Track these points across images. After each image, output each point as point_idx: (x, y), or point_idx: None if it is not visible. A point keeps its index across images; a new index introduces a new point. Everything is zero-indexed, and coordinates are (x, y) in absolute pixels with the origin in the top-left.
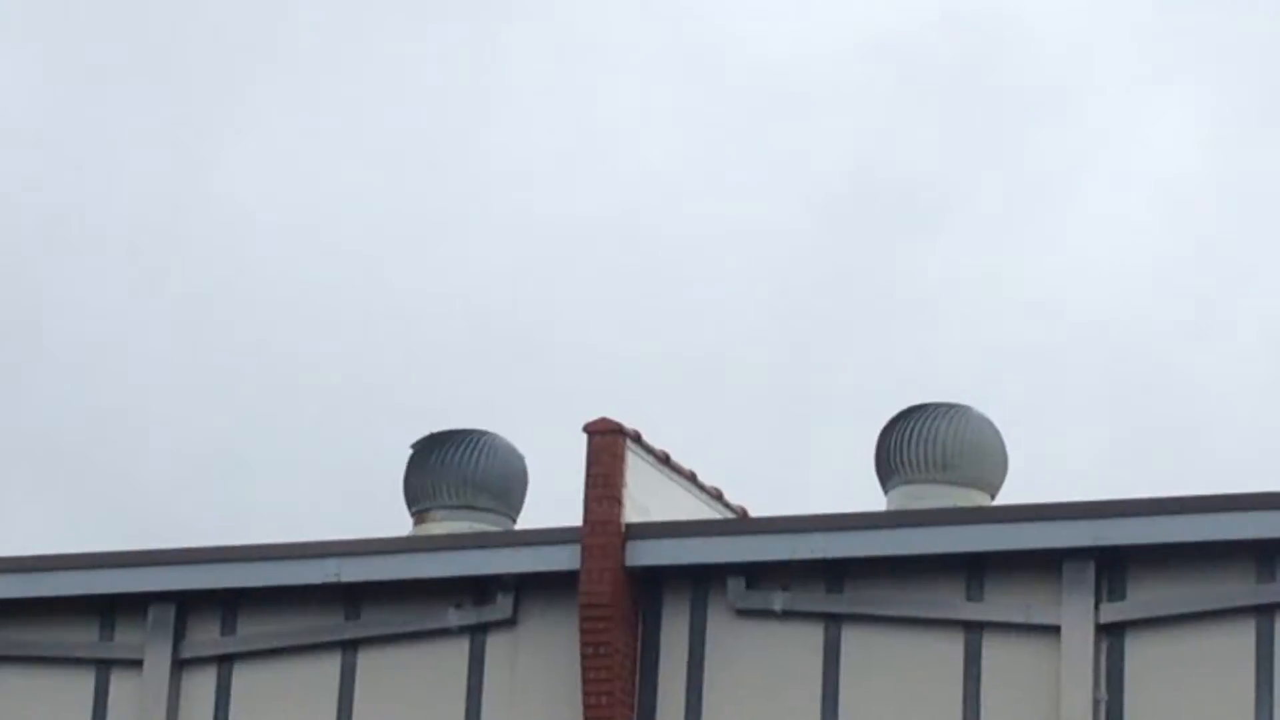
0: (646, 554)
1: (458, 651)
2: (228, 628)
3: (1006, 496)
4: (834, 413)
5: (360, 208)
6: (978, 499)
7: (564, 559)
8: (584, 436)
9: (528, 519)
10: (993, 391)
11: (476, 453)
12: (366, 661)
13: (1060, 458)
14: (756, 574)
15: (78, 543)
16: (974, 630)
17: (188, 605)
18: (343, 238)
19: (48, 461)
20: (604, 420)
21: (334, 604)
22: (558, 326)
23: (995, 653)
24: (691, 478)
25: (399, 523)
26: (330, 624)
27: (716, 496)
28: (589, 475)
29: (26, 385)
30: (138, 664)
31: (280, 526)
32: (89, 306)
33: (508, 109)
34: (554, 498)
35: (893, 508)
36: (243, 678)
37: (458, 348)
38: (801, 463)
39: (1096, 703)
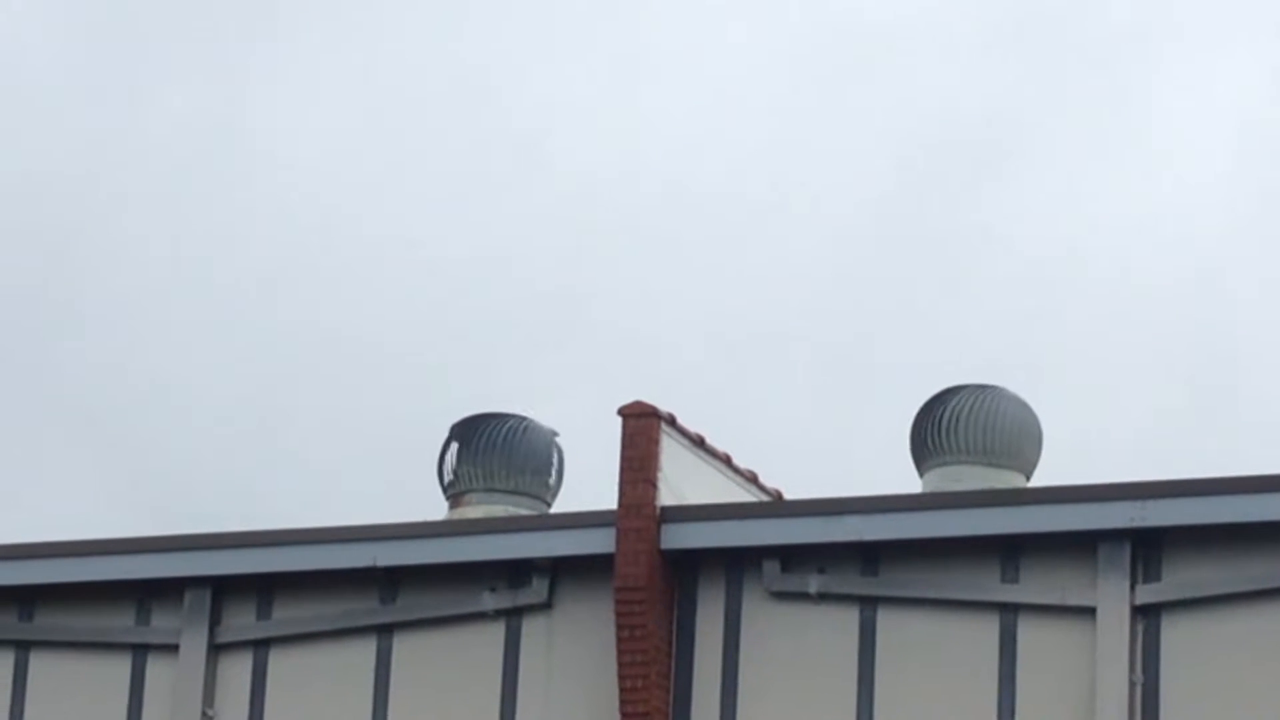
0: (681, 537)
1: (493, 635)
2: (264, 612)
3: (1043, 477)
4: (878, 392)
5: (401, 176)
6: (1013, 480)
7: (599, 542)
8: (619, 419)
9: (563, 502)
10: (1047, 361)
11: (512, 436)
12: (402, 645)
13: (1122, 418)
14: (792, 556)
15: (113, 516)
16: (1009, 612)
17: (224, 590)
18: (381, 212)
19: (85, 435)
20: (639, 403)
21: (369, 588)
22: (599, 302)
23: (1030, 635)
24: (727, 460)
25: (434, 506)
26: (366, 608)
27: (751, 479)
28: (624, 458)
29: (64, 359)
30: (174, 649)
31: (316, 510)
32: (124, 279)
33: (558, 71)
34: (590, 479)
35: (928, 490)
36: (279, 662)
37: (495, 325)
38: (843, 444)
39: (1132, 685)
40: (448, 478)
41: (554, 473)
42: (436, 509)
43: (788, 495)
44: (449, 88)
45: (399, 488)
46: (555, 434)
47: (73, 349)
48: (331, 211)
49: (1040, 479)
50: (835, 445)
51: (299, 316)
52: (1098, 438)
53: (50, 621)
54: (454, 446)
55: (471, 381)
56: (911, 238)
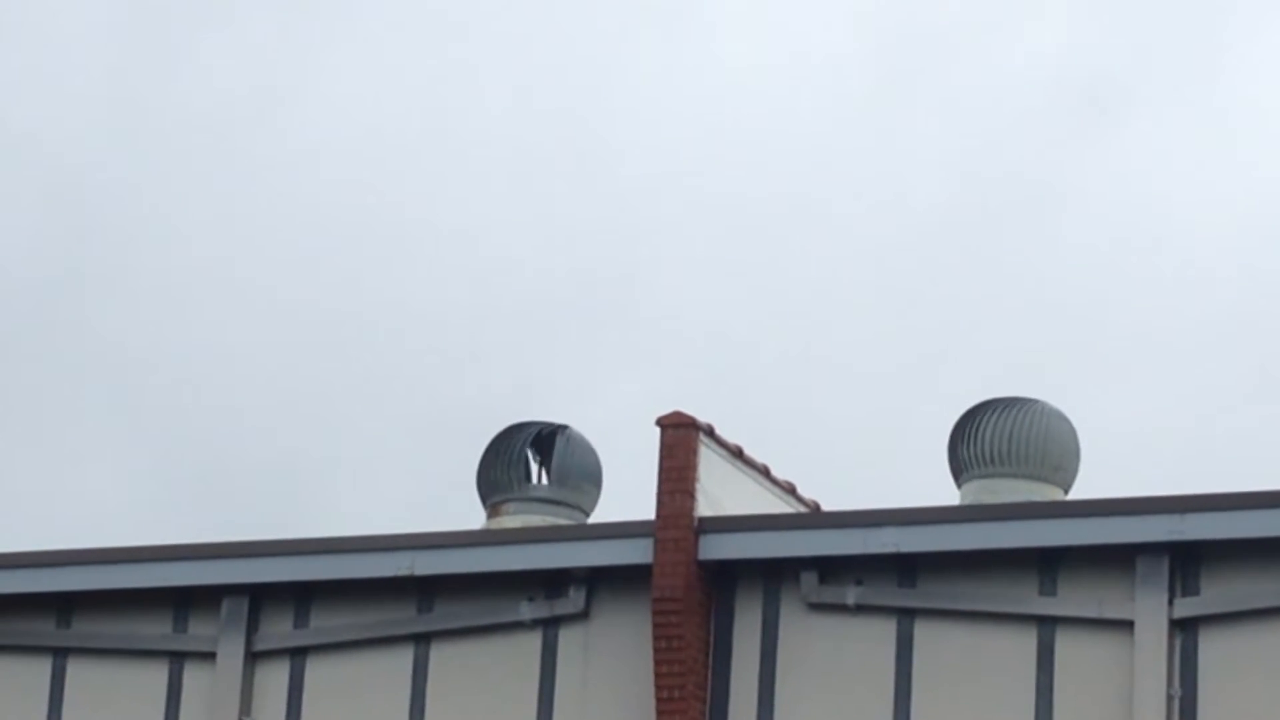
0: (719, 548)
1: (530, 645)
2: (301, 620)
3: (1082, 489)
4: (921, 402)
5: (451, 165)
6: (1051, 493)
7: (637, 552)
8: (657, 429)
9: (601, 512)
10: (1101, 356)
11: (548, 444)
12: (439, 655)
13: (1183, 406)
14: (829, 568)
15: (148, 498)
16: (1047, 625)
17: (261, 598)
18: (432, 203)
19: (123, 420)
20: (677, 414)
21: (407, 597)
22: (641, 306)
23: (1068, 648)
24: (765, 471)
25: (472, 516)
26: (403, 617)
27: (790, 490)
28: (662, 469)
29: (102, 343)
30: (211, 656)
31: (354, 519)
32: (164, 260)
33: (618, 63)
34: (628, 489)
35: (966, 502)
36: (315, 670)
37: (536, 328)
38: (882, 456)
39: (1170, 699)
40: (486, 487)
41: (593, 482)
42: (474, 518)
43: (826, 507)
44: (506, 73)
45: (436, 496)
46: (564, 428)
47: (112, 331)
48: (376, 202)
49: (1079, 490)
50: (874, 457)
51: (338, 308)
52: (1160, 425)
53: (87, 629)
54: (493, 456)
55: (512, 383)
56: (960, 250)
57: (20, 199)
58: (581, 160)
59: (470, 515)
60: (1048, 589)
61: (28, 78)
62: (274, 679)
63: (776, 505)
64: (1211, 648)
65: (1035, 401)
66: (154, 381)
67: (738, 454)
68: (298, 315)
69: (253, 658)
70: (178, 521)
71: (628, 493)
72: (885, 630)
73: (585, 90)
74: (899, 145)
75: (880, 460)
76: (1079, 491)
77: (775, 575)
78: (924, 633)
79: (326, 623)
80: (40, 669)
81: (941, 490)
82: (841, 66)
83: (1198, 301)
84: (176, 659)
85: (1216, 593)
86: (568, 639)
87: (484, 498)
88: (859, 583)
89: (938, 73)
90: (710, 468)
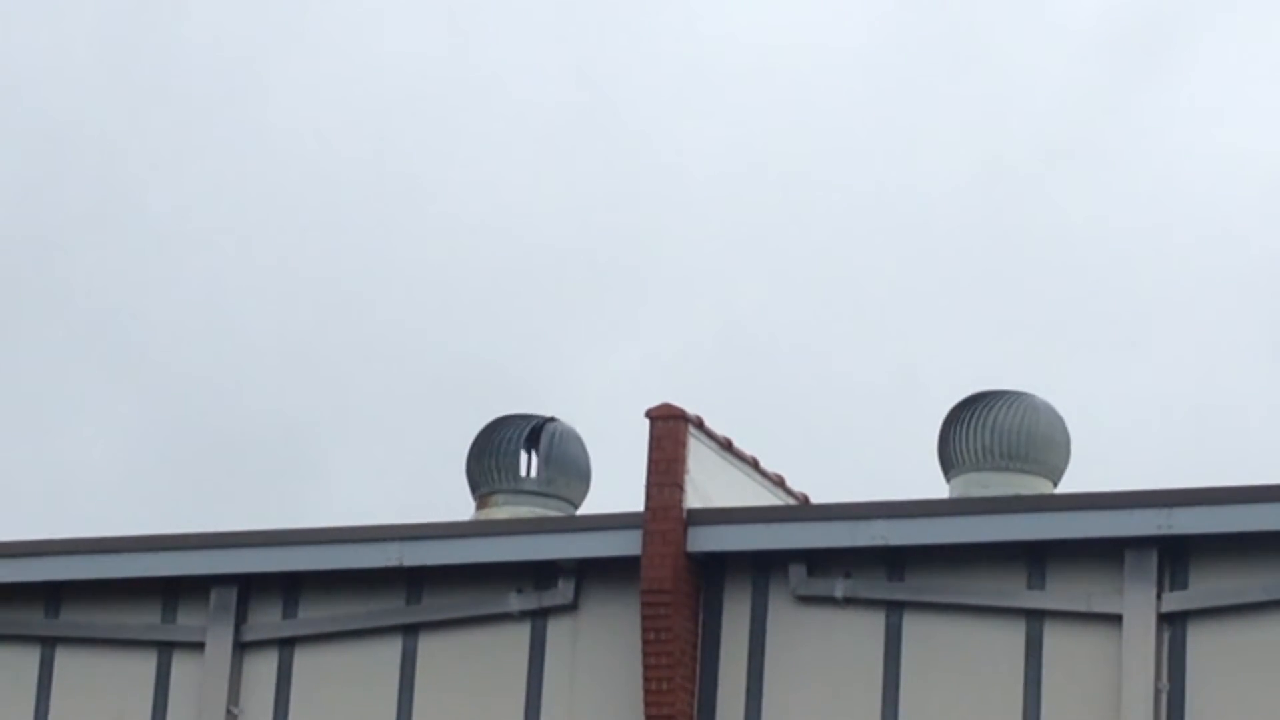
0: (708, 540)
1: (519, 636)
2: (289, 611)
3: (1070, 483)
4: (912, 396)
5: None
6: (1040, 487)
7: (625, 544)
8: (646, 422)
9: (590, 504)
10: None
11: (539, 437)
12: (427, 646)
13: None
14: (818, 561)
15: (143, 456)
16: (1035, 618)
17: (250, 588)
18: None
19: (120, 377)
20: (666, 406)
21: (395, 588)
22: (635, 293)
23: (1056, 641)
24: (754, 463)
25: (461, 507)
26: (391, 608)
27: (779, 482)
28: (651, 461)
29: (101, 300)
30: (199, 646)
31: (343, 509)
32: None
33: (632, 39)
34: (617, 481)
35: (955, 495)
36: (304, 661)
37: (530, 318)
38: (871, 448)
39: (1158, 692)
40: (475, 478)
41: (581, 475)
42: (463, 510)
43: (815, 499)
44: (518, 39)
45: (426, 488)
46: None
47: (100, 297)
48: (376, 170)
49: (1068, 484)
50: (864, 449)
51: (335, 277)
52: (1153, 414)
53: (76, 618)
54: (482, 447)
55: (503, 378)
56: (980, 248)
57: (5, 158)
58: (582, 149)
59: (464, 494)
60: (1036, 582)
61: (13, 31)
62: (262, 669)
63: (765, 498)
64: (1199, 642)
65: (1025, 395)
66: (144, 350)
67: (727, 446)
68: (294, 283)
69: (241, 648)
70: (165, 491)
71: (617, 484)
72: (873, 623)
73: (598, 64)
74: (909, 135)
75: (870, 453)
76: (1068, 485)
77: (764, 567)
78: (912, 626)
79: (315, 613)
80: (29, 658)
81: (931, 483)
82: (866, 42)
83: (1201, 281)
84: (165, 649)
85: (1204, 587)
86: (556, 630)
87: (473, 489)
88: (848, 575)
89: (956, 53)
90: (699, 460)
